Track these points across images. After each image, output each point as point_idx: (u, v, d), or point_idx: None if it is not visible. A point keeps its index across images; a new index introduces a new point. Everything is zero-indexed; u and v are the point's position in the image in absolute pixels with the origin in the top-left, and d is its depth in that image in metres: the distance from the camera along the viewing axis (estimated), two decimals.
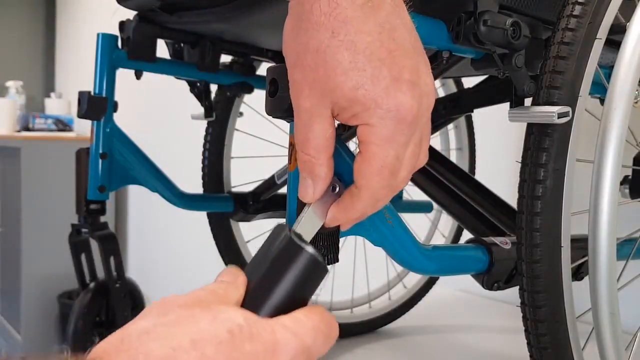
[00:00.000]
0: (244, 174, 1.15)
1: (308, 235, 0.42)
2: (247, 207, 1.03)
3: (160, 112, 2.88)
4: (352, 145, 1.28)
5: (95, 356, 0.27)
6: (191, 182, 1.13)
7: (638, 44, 0.56)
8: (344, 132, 0.78)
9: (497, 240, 0.65)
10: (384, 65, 0.36)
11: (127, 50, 0.89)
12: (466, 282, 0.78)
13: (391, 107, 0.37)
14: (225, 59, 1.03)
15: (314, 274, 0.37)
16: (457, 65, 0.66)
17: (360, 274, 1.22)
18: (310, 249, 0.37)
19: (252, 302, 0.36)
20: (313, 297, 0.46)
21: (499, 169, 1.25)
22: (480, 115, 1.14)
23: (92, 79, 0.88)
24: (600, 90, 0.67)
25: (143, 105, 2.75)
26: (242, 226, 1.11)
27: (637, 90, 0.57)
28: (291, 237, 0.37)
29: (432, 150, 0.87)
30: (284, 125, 0.50)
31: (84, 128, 3.38)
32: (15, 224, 3.09)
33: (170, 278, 2.91)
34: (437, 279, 1.25)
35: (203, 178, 1.10)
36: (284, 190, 1.03)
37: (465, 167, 1.25)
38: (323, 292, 1.09)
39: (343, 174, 0.44)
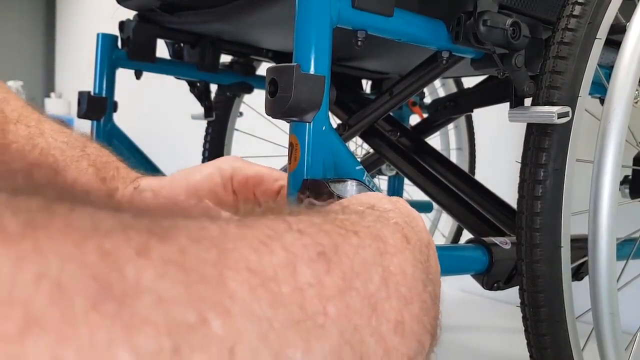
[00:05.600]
0: None
1: None
2: None
3: (160, 112, 2.88)
4: (352, 145, 1.28)
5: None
6: None
7: (638, 44, 0.56)
8: (345, 132, 0.79)
9: (497, 240, 0.65)
10: None
11: (127, 50, 0.88)
12: (466, 282, 0.78)
13: None
14: (225, 59, 1.03)
15: None
16: (457, 65, 0.66)
17: None
18: None
19: None
20: None
21: (499, 169, 1.25)
22: (480, 115, 1.14)
23: (92, 79, 0.88)
24: (600, 90, 0.67)
25: (143, 105, 2.75)
26: None
27: (637, 90, 0.57)
28: None
29: (432, 150, 0.87)
30: (284, 125, 0.50)
31: (84, 128, 3.37)
32: None
33: None
34: None
35: None
36: None
37: (465, 167, 1.25)
38: None
39: (340, 168, 0.45)
